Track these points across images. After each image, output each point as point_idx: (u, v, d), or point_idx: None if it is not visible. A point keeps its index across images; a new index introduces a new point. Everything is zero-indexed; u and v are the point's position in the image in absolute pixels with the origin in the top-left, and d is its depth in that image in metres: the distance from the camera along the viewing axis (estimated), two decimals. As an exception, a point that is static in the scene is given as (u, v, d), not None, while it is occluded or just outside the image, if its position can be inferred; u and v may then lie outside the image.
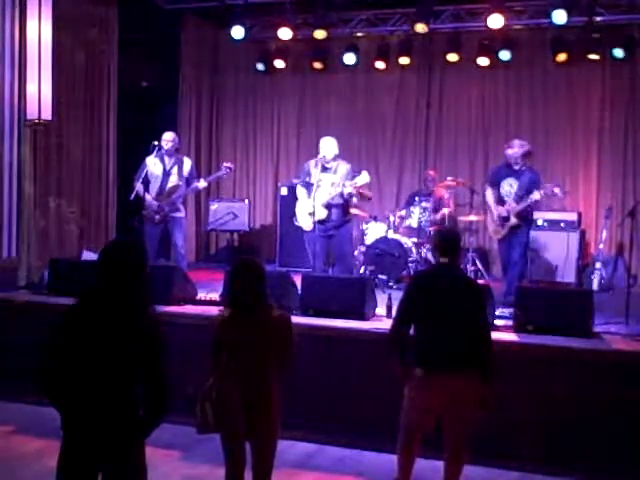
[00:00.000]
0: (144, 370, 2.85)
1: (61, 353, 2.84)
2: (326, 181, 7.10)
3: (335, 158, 7.17)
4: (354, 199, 7.35)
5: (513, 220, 6.92)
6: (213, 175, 7.77)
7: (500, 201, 7.10)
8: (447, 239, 4.15)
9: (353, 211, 7.68)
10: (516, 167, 7.07)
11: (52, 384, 2.87)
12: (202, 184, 7.60)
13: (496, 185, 7.16)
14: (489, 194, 7.25)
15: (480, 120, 10.09)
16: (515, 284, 6.38)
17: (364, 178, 7.00)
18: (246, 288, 3.57)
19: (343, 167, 7.16)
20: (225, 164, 7.90)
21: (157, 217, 7.41)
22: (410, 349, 4.00)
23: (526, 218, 7.05)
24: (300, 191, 7.25)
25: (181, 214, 7.62)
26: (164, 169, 7.47)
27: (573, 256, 8.75)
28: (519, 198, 6.93)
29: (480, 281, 7.06)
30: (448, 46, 9.58)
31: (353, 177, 7.09)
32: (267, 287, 3.62)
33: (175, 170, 7.49)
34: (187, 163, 7.62)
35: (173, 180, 7.47)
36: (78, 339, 2.82)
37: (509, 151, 7.12)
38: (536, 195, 6.83)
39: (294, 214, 7.33)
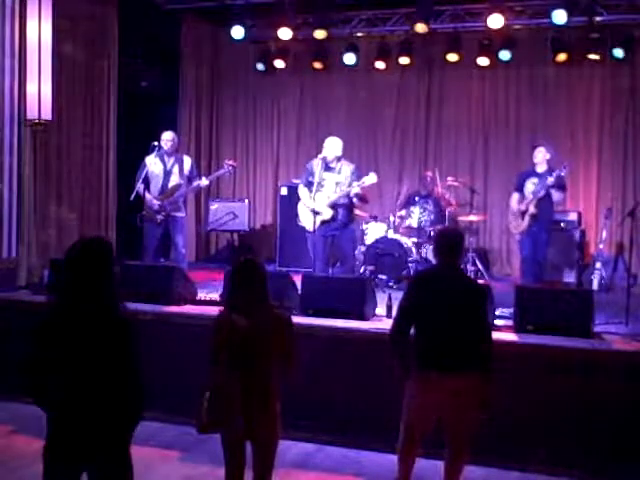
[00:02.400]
0: (118, 369, 2.85)
1: (40, 356, 2.85)
2: (330, 181, 7.11)
3: (338, 158, 7.18)
4: (355, 200, 7.36)
5: (531, 209, 7.10)
6: (215, 173, 7.77)
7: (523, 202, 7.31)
8: (448, 239, 4.14)
9: (355, 212, 7.69)
10: (540, 170, 7.27)
11: (34, 386, 2.89)
12: (204, 182, 7.60)
13: (521, 188, 7.34)
14: (513, 198, 7.41)
15: (480, 120, 10.09)
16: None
17: (372, 178, 7.03)
18: (246, 288, 3.56)
19: (347, 167, 7.18)
20: (227, 162, 7.90)
21: (159, 217, 7.39)
22: (410, 349, 4.01)
23: (545, 213, 7.16)
24: (302, 191, 7.25)
25: (182, 214, 7.62)
26: (165, 168, 7.46)
27: (573, 256, 8.77)
28: (538, 191, 7.13)
29: (480, 281, 7.06)
30: (448, 46, 9.58)
31: (359, 177, 7.10)
32: (267, 287, 3.62)
33: (176, 169, 7.48)
34: (187, 162, 7.62)
35: (174, 179, 7.47)
36: (54, 342, 2.83)
37: (535, 154, 7.35)
38: (550, 179, 7.01)
39: (297, 214, 7.33)
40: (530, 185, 7.26)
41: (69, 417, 2.84)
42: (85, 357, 2.81)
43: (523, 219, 7.23)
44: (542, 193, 7.11)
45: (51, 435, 2.89)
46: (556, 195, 7.16)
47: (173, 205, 7.44)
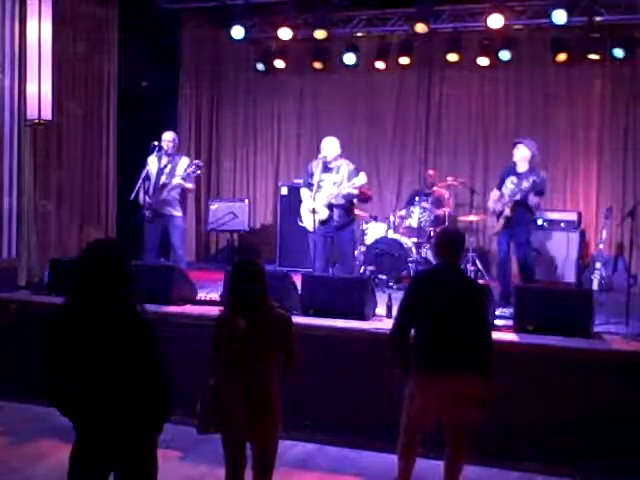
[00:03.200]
0: (141, 369, 2.82)
1: (58, 361, 2.81)
2: (328, 181, 7.11)
3: (337, 158, 7.17)
4: (355, 200, 7.35)
5: (506, 211, 6.94)
6: (184, 172, 7.73)
7: (500, 201, 7.14)
8: (449, 239, 4.15)
9: (356, 212, 7.68)
10: (521, 169, 7.08)
11: (56, 393, 2.84)
12: (176, 181, 7.51)
13: (500, 186, 7.18)
14: (492, 195, 7.26)
15: (480, 120, 10.08)
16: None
17: (361, 179, 7.01)
18: (246, 288, 3.57)
19: (346, 167, 7.17)
20: (195, 161, 7.84)
21: (147, 213, 7.34)
22: (411, 349, 4.01)
23: (521, 216, 6.98)
24: (304, 193, 7.26)
25: (178, 213, 7.58)
26: (159, 168, 7.48)
27: (573, 256, 8.78)
28: (514, 194, 6.96)
29: (480, 281, 7.07)
30: (448, 46, 9.58)
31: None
32: (267, 287, 3.62)
33: (168, 169, 7.48)
34: (183, 162, 7.60)
35: (163, 178, 7.47)
36: (72, 346, 2.79)
37: (514, 152, 7.18)
38: (525, 184, 6.83)
39: (298, 215, 7.33)
40: (509, 184, 7.06)
41: (94, 421, 2.80)
42: (107, 360, 2.76)
43: (498, 220, 7.07)
44: (518, 197, 6.90)
45: (78, 440, 2.86)
46: (531, 198, 6.90)
47: (162, 203, 7.39)
